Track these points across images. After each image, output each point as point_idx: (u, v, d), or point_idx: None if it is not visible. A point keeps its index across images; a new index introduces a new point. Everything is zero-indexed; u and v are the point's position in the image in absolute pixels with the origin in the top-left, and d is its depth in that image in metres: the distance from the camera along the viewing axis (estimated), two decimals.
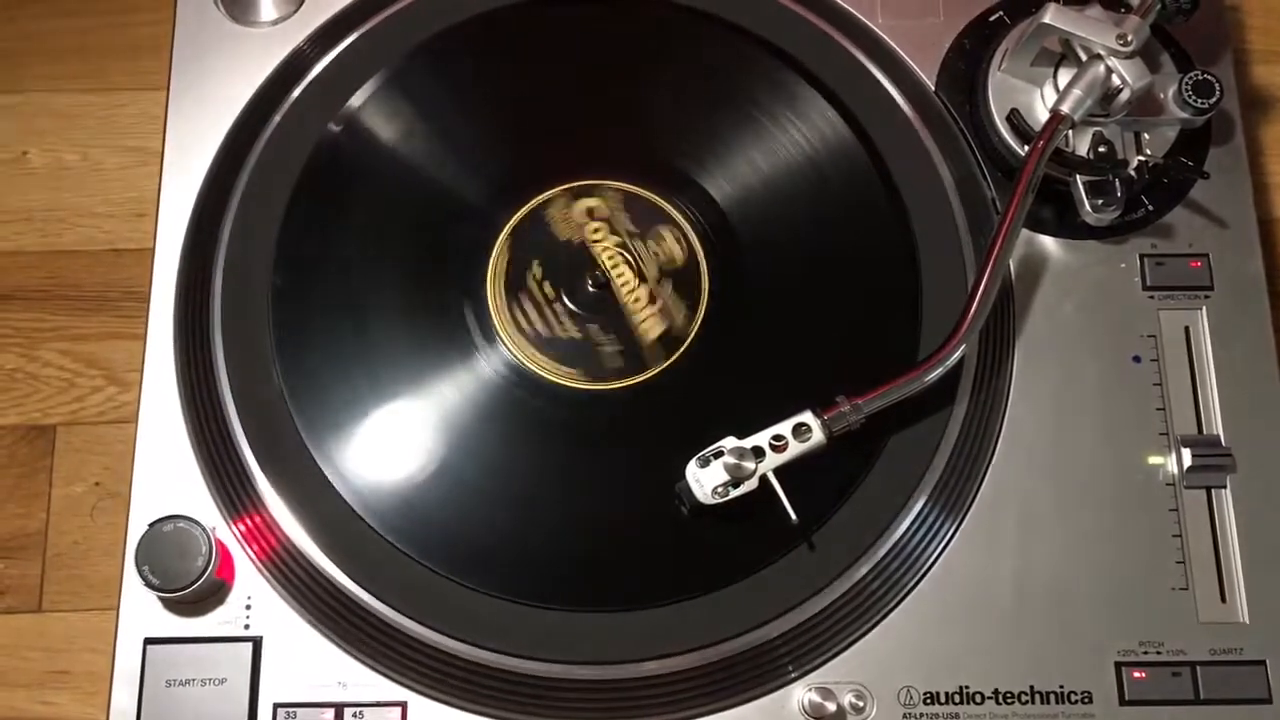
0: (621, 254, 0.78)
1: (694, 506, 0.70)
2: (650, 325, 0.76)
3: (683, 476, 0.69)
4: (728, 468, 0.69)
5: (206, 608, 0.70)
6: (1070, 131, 0.76)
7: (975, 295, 0.72)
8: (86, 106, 0.91)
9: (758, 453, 0.69)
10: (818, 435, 0.70)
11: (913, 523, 0.73)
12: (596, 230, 0.78)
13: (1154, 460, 0.74)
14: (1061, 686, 0.70)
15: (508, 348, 0.76)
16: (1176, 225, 0.79)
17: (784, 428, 0.70)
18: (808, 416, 0.70)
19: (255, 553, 0.72)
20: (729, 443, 0.69)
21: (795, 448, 0.69)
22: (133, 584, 0.69)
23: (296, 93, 0.81)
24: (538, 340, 0.76)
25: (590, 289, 0.77)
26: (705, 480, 0.69)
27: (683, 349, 0.76)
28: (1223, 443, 0.74)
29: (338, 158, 0.79)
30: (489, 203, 0.79)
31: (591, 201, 0.79)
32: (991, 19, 0.83)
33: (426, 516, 0.72)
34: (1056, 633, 0.71)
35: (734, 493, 0.69)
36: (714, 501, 0.69)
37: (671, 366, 0.76)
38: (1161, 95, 0.78)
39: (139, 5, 0.93)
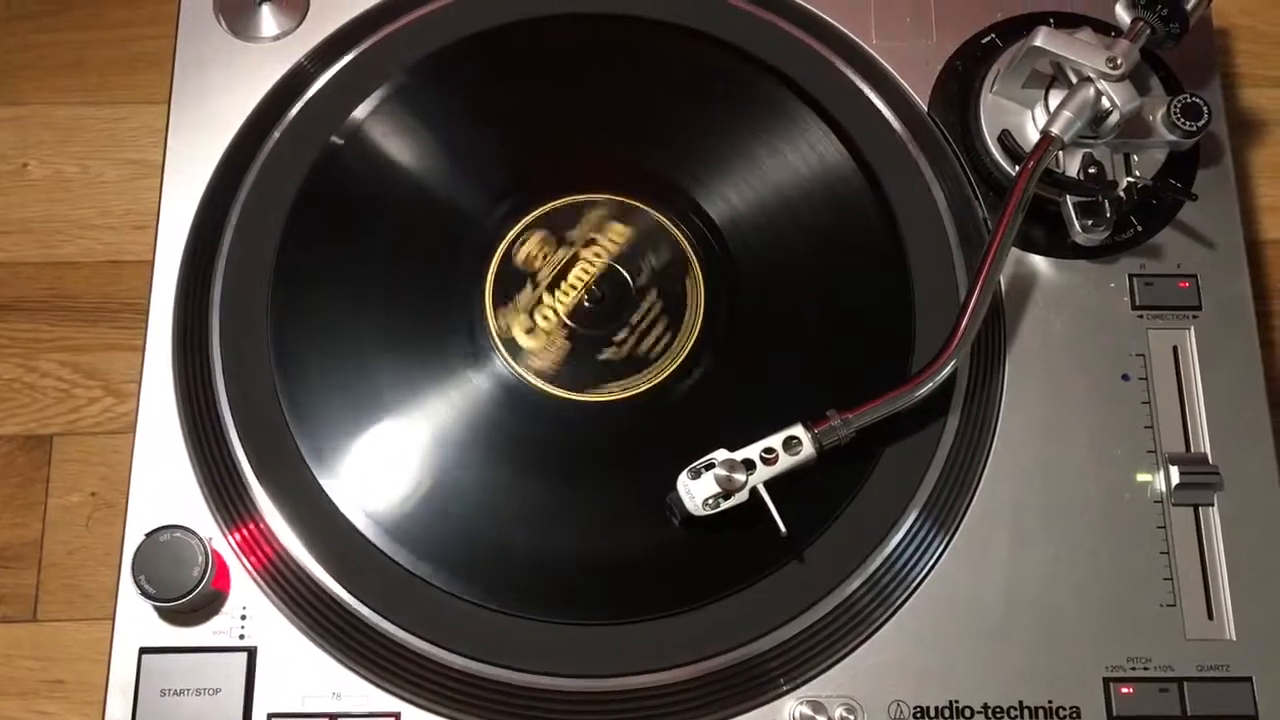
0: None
1: (685, 518, 0.70)
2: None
3: (674, 488, 0.70)
4: (718, 480, 0.69)
5: (202, 618, 0.71)
6: (1060, 152, 0.77)
7: (965, 312, 0.72)
8: (87, 119, 0.92)
9: (748, 465, 0.70)
10: (808, 448, 0.70)
11: (904, 538, 0.73)
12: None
13: (1142, 478, 0.75)
14: (1050, 701, 0.70)
15: (504, 360, 0.77)
16: (1165, 246, 0.80)
17: (775, 441, 0.70)
18: (798, 430, 0.71)
19: (251, 563, 0.72)
20: (720, 455, 0.70)
21: (785, 461, 0.70)
22: (128, 593, 0.69)
23: (296, 108, 0.81)
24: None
25: (585, 304, 0.78)
26: (696, 492, 0.69)
27: (677, 363, 0.77)
28: (1210, 461, 0.75)
29: (337, 172, 0.80)
30: (486, 217, 0.80)
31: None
32: (983, 41, 0.84)
33: (421, 529, 0.72)
34: (1045, 648, 0.71)
35: (724, 504, 0.69)
36: (705, 513, 0.69)
37: (665, 380, 0.76)
38: (1150, 118, 0.79)
39: (140, 20, 0.94)
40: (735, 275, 0.79)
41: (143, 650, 0.70)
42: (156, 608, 0.70)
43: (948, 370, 0.72)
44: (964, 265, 0.79)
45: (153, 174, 0.84)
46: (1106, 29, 0.80)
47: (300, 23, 0.84)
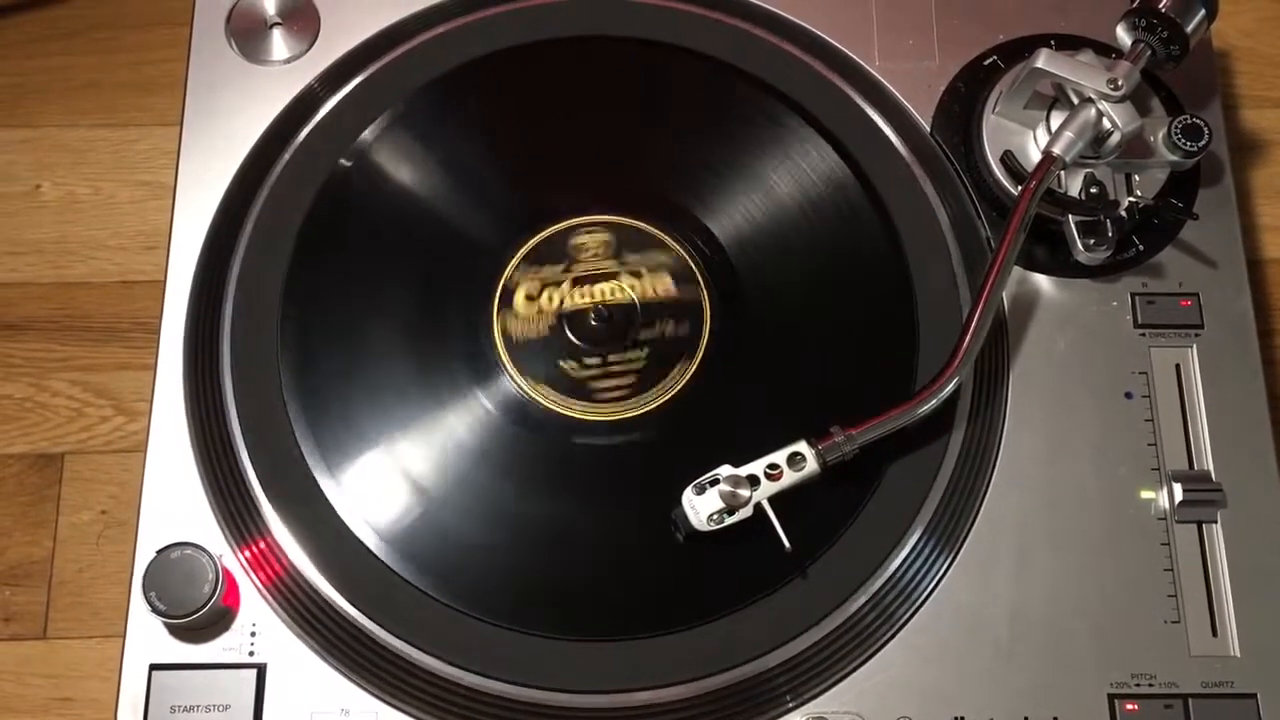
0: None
1: (689, 533, 0.70)
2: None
3: (679, 504, 0.70)
4: (723, 495, 0.70)
5: (212, 634, 0.71)
6: (1062, 173, 0.77)
7: (968, 330, 0.73)
8: (99, 141, 0.92)
9: (753, 481, 0.70)
10: (812, 465, 0.71)
11: (908, 554, 0.73)
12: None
13: (1146, 495, 0.75)
14: (1055, 718, 0.71)
15: (511, 379, 0.77)
16: (1167, 265, 0.80)
17: (779, 457, 0.71)
18: (802, 446, 0.71)
19: (260, 580, 0.72)
20: (725, 471, 0.70)
21: (790, 476, 0.70)
22: (139, 610, 0.70)
23: (307, 130, 0.82)
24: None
25: (590, 316, 0.78)
26: (701, 507, 0.70)
27: (684, 382, 0.77)
28: (1213, 478, 0.75)
29: (347, 193, 0.80)
30: (494, 237, 0.81)
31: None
32: (986, 63, 0.85)
33: (429, 545, 0.73)
34: (1050, 664, 0.72)
35: (729, 520, 0.70)
36: (709, 528, 0.70)
37: (671, 398, 0.77)
38: (1151, 138, 0.79)
39: (153, 43, 0.94)
40: (741, 294, 0.79)
41: (153, 667, 0.70)
42: (167, 624, 0.70)
43: (950, 387, 0.73)
44: (967, 284, 0.79)
45: (164, 195, 0.85)
46: (1107, 51, 0.81)
47: (310, 46, 0.85)
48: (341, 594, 0.72)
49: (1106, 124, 0.76)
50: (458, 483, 0.75)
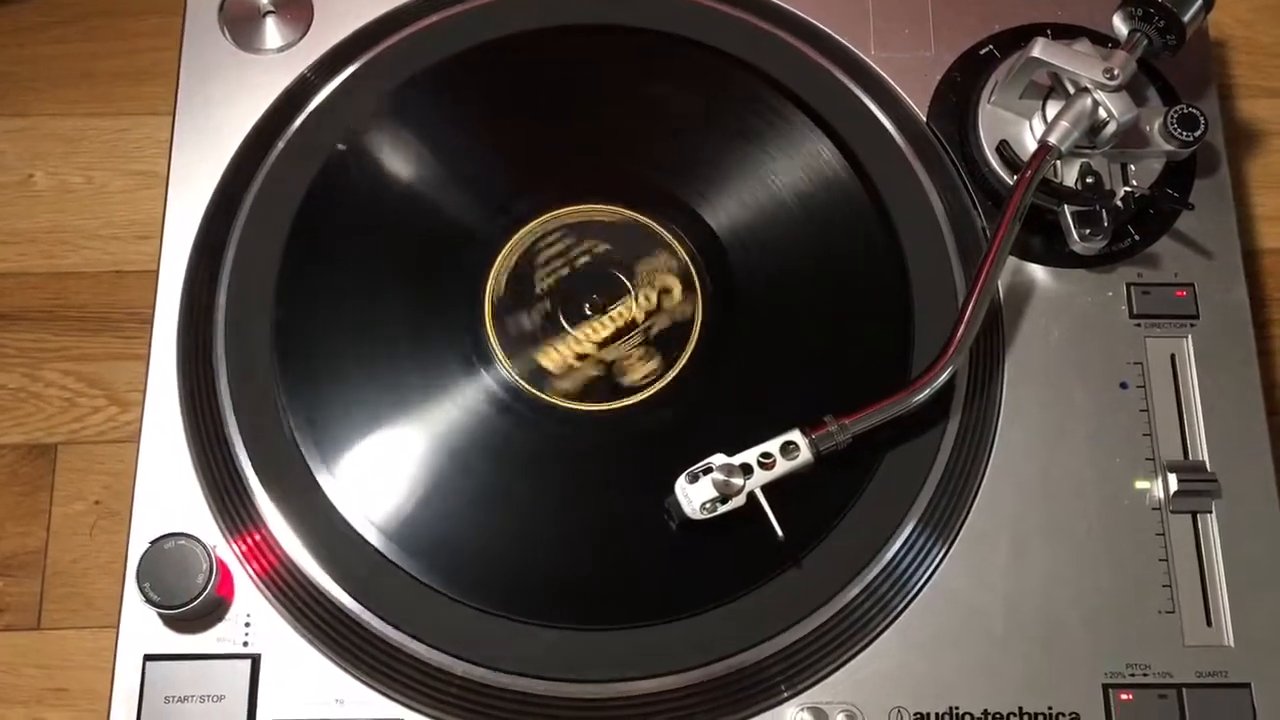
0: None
1: (682, 521, 0.70)
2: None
3: (672, 492, 0.70)
4: (716, 484, 0.69)
5: (206, 625, 0.71)
6: (1058, 162, 0.77)
7: (963, 320, 0.73)
8: (92, 130, 0.92)
9: (746, 470, 0.70)
10: (805, 454, 0.71)
11: (903, 545, 0.73)
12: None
13: (1141, 485, 0.75)
14: (1050, 708, 0.71)
15: (504, 368, 0.77)
16: (1162, 255, 0.80)
17: (772, 446, 0.70)
18: (795, 435, 0.71)
19: (255, 570, 0.72)
20: (718, 459, 0.70)
21: (783, 465, 0.70)
22: (133, 601, 0.70)
23: (300, 119, 0.82)
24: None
25: (587, 312, 0.78)
26: (694, 496, 0.70)
27: (677, 370, 0.77)
28: (1208, 468, 0.75)
29: (341, 182, 0.80)
30: (489, 226, 0.80)
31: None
32: (981, 53, 0.85)
33: (424, 535, 0.73)
34: (1045, 654, 0.72)
35: (722, 509, 0.70)
36: (702, 516, 0.70)
37: (665, 386, 0.77)
38: (1147, 128, 0.79)
39: (146, 31, 0.94)
40: (736, 283, 0.79)
41: (147, 657, 0.70)
42: (161, 615, 0.70)
43: (944, 376, 0.73)
44: (963, 275, 0.79)
45: (157, 184, 0.84)
46: (1104, 40, 0.81)
47: (304, 35, 0.84)
48: (336, 583, 0.72)
49: (1102, 113, 0.76)
50: (453, 473, 0.75)
